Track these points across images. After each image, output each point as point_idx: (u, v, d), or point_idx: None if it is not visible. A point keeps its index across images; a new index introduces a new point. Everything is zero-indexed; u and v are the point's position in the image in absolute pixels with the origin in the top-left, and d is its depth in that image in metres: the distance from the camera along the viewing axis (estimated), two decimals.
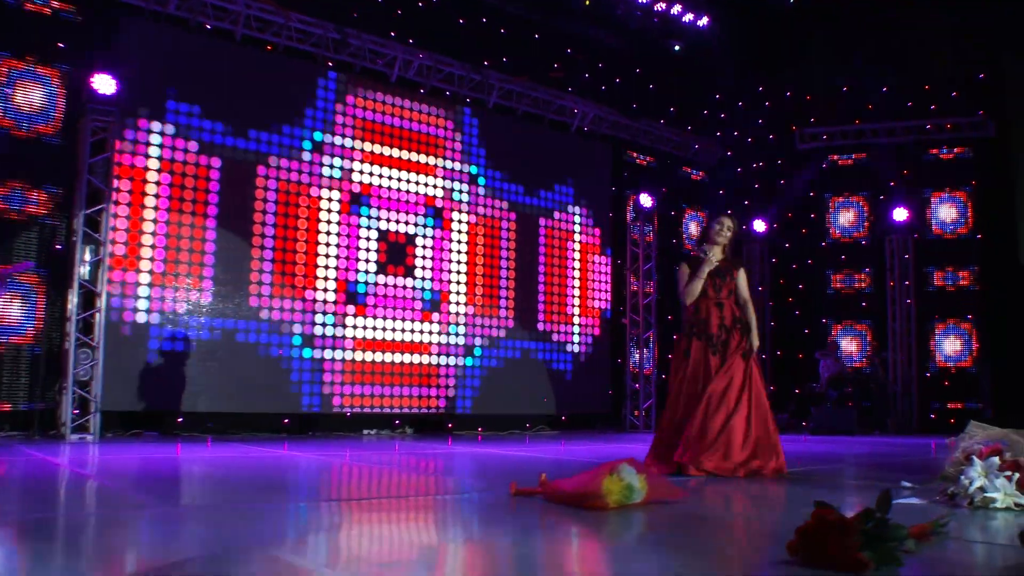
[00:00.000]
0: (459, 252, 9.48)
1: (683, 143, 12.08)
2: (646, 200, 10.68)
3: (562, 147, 10.65)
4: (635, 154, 11.80)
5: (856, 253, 12.18)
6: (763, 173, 12.59)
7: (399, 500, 3.28)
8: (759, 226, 12.16)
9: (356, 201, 8.82)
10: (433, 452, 6.05)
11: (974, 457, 3.20)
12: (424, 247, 9.21)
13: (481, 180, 9.79)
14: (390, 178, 9.07)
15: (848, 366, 11.32)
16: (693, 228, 12.28)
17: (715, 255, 4.33)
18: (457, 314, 9.44)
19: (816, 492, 3.53)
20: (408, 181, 9.20)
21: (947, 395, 11.32)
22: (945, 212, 11.83)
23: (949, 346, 11.58)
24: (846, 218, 12.31)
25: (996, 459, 3.14)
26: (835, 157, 12.38)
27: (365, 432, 8.71)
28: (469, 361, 9.48)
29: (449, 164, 9.54)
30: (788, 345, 12.26)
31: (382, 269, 8.93)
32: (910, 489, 3.59)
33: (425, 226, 9.26)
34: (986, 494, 3.06)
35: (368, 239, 8.84)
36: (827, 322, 12.23)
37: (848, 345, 12.07)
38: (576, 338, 10.40)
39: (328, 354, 8.46)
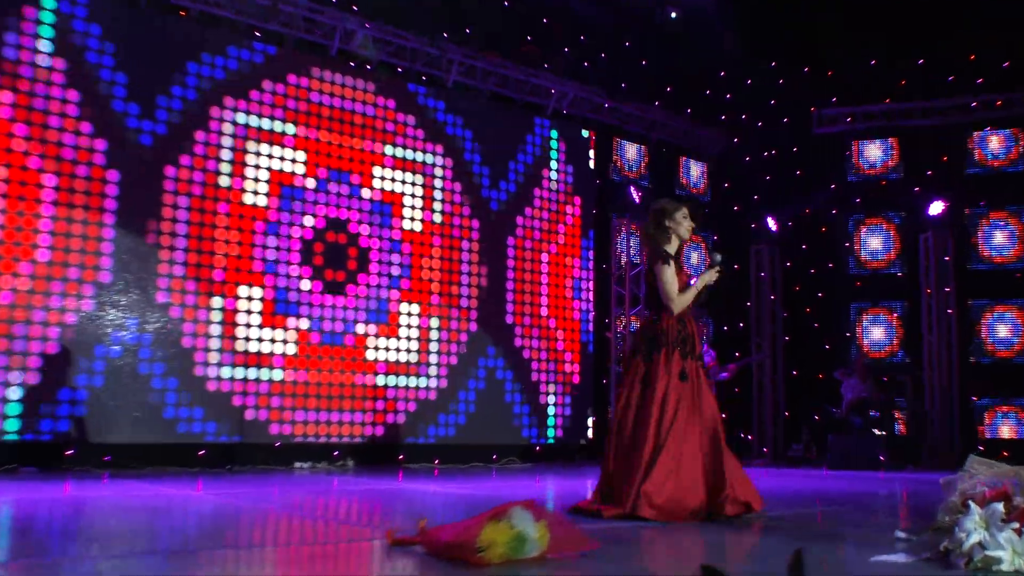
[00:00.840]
0: (412, 254, 9.24)
1: (682, 129, 11.91)
2: (633, 193, 10.48)
3: (536, 133, 10.45)
4: (624, 141, 11.60)
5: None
6: (775, 163, 12.34)
7: (249, 551, 3.07)
8: (770, 224, 11.97)
9: (289, 195, 8.52)
10: (366, 489, 5.85)
11: (971, 503, 2.82)
12: (370, 248, 8.95)
13: (439, 171, 9.54)
14: (329, 168, 8.80)
15: (878, 388, 10.89)
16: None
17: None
18: (410, 327, 9.13)
19: (773, 542, 3.28)
20: (351, 172, 8.96)
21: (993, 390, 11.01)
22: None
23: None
24: (874, 217, 12.17)
25: (999, 506, 2.75)
26: (860, 144, 12.23)
27: (297, 465, 8.41)
28: (424, 382, 9.14)
29: (400, 152, 9.32)
30: (805, 363, 12.00)
31: (319, 274, 8.64)
32: (904, 541, 3.30)
33: (371, 224, 9.00)
34: (987, 552, 2.70)
35: (302, 239, 8.56)
36: (851, 336, 12.01)
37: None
38: (552, 355, 10.14)
39: (253, 373, 8.19)
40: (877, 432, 10.29)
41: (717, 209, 12.31)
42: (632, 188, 10.50)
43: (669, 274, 4.13)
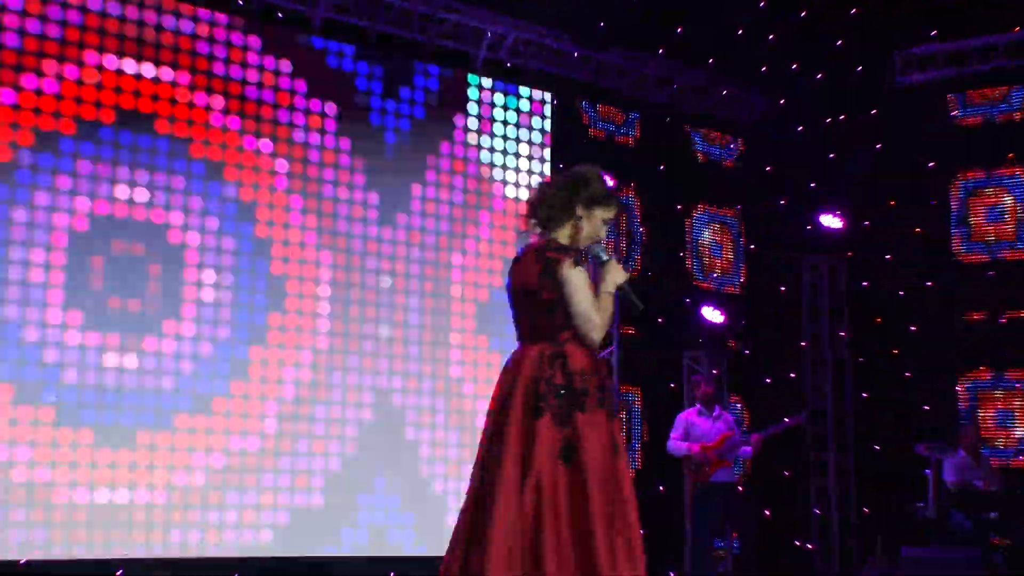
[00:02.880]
0: (275, 276, 8.57)
1: (693, 88, 11.17)
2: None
3: (456, 95, 9.74)
4: (602, 109, 10.98)
5: (1010, 270, 11.01)
6: (842, 132, 11.42)
7: None
8: (831, 222, 11.08)
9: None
10: None
11: None
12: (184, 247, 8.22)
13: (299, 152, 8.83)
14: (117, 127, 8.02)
15: (999, 475, 9.97)
16: (707, 235, 11.61)
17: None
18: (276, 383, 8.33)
19: None
20: (175, 138, 8.22)
21: None
22: None
23: None
24: (989, 207, 11.27)
25: None
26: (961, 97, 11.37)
27: None
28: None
29: (252, 119, 8.61)
30: (887, 431, 11.04)
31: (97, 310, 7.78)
32: None
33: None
34: None
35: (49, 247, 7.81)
36: (962, 392, 11.06)
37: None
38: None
39: None
40: (997, 542, 9.42)
41: (752, 203, 11.67)
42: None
43: (583, 282, 3.87)
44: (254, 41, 8.67)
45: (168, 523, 7.97)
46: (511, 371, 3.93)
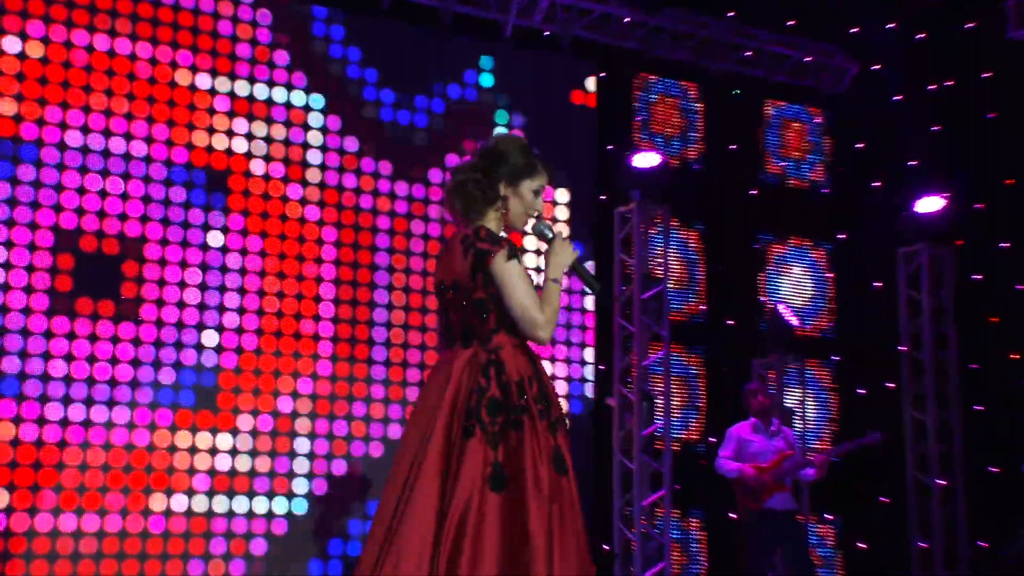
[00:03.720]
0: (267, 273, 8.08)
1: (769, 55, 10.45)
2: (647, 160, 9.01)
3: (482, 70, 9.25)
4: (653, 78, 10.34)
5: None
6: (948, 101, 10.68)
7: None
8: (930, 205, 10.20)
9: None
10: None
11: None
12: (181, 264, 7.81)
13: (317, 122, 8.43)
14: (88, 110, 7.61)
15: None
16: None
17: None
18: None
19: None
20: (151, 120, 7.79)
21: None
22: None
23: None
24: None
25: None
26: None
27: None
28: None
29: (242, 89, 8.18)
30: (1001, 452, 10.25)
31: (67, 308, 7.39)
32: None
33: (187, 214, 7.83)
34: None
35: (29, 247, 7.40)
36: None
37: None
38: None
39: None
40: None
41: (840, 188, 10.97)
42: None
43: (519, 273, 3.73)
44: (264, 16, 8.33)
45: None
46: (437, 380, 3.75)
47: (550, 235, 3.87)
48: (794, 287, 10.44)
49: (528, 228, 3.94)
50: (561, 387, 8.96)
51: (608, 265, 9.37)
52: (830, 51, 10.66)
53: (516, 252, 3.78)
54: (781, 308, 9.60)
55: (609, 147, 9.57)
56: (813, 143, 11.00)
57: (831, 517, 10.10)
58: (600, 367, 9.31)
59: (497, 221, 3.88)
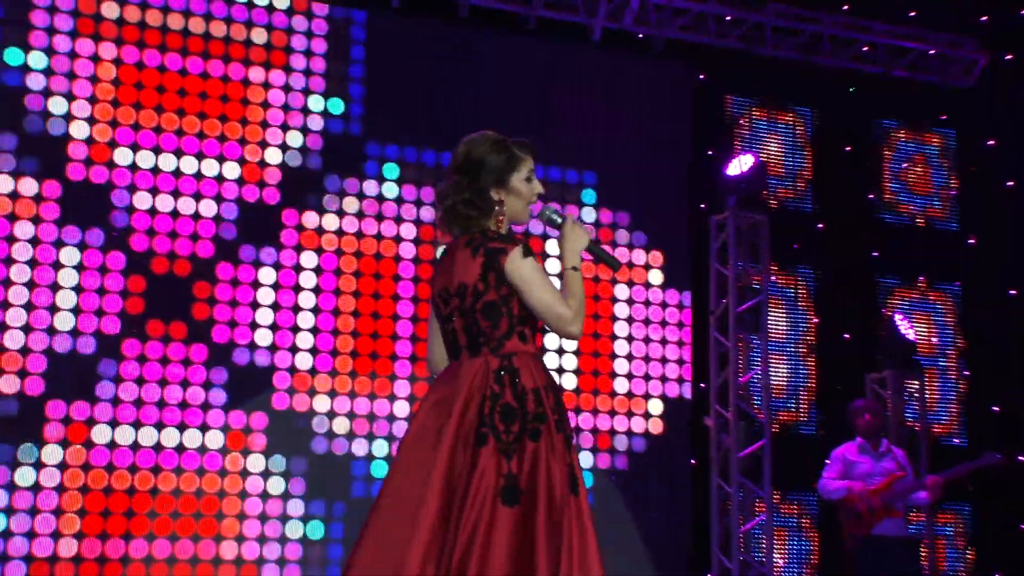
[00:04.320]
0: (342, 292, 7.93)
1: (886, 49, 9.89)
2: (741, 164, 8.67)
3: (568, 80, 9.01)
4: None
5: None
6: None
7: None
8: None
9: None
10: None
11: None
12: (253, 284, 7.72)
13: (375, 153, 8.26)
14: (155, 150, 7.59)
15: None
16: None
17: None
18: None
19: None
20: (201, 155, 7.71)
21: None
22: None
23: None
24: None
25: None
26: None
27: None
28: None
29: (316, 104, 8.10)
30: None
31: (138, 330, 7.35)
32: None
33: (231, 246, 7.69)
34: None
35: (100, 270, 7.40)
36: None
37: None
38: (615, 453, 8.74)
39: None
40: None
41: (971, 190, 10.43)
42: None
43: (537, 269, 3.61)
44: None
45: None
46: (443, 390, 3.55)
47: (560, 220, 3.69)
48: None
49: (536, 217, 3.77)
50: (656, 406, 8.72)
51: (704, 276, 9.07)
52: (957, 42, 10.07)
53: (530, 249, 3.62)
54: (899, 319, 8.97)
55: (709, 151, 9.26)
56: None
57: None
58: (701, 385, 8.99)
59: (498, 224, 3.71)
